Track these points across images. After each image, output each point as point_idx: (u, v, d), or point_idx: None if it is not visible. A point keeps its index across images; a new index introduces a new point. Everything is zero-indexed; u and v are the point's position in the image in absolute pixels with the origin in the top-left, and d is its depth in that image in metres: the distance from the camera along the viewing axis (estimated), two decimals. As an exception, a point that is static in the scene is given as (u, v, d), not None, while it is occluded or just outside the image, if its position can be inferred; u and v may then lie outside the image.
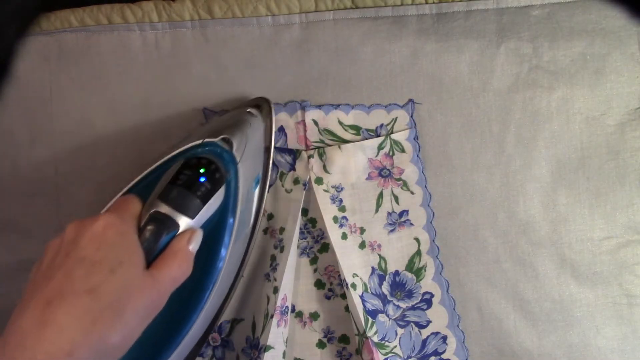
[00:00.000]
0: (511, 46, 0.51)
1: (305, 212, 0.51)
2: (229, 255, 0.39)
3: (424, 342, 0.50)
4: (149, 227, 0.35)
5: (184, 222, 0.36)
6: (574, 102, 0.51)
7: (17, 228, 0.54)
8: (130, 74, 0.53)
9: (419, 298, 0.50)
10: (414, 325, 0.50)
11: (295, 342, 0.51)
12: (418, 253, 0.51)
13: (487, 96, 0.51)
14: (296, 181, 0.51)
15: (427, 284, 0.51)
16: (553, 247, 0.51)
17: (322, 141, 0.51)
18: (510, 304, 0.51)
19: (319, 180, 0.51)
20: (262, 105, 0.49)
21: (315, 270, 0.52)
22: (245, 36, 0.52)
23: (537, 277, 0.51)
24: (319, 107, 0.51)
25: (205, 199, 0.37)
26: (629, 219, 0.51)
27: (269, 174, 0.48)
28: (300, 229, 0.51)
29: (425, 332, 0.50)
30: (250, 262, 0.52)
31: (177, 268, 0.35)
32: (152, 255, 0.35)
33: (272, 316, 0.48)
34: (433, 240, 0.51)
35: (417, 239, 0.51)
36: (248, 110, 0.47)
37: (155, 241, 0.35)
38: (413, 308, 0.50)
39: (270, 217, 0.51)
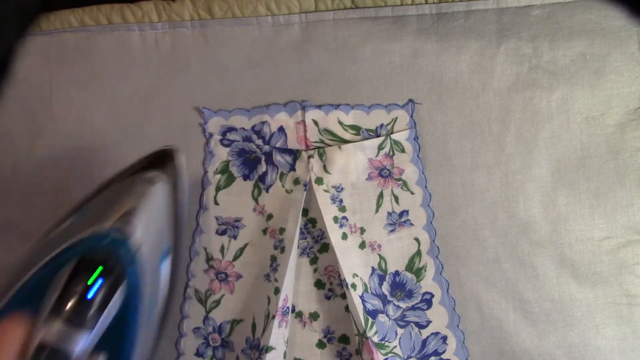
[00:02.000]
0: (511, 46, 0.51)
1: (305, 212, 0.51)
2: (138, 346, 0.34)
3: (424, 342, 0.50)
4: None
5: (80, 338, 0.30)
6: (574, 102, 0.51)
7: (17, 228, 0.54)
8: (130, 74, 0.53)
9: (419, 298, 0.50)
10: (414, 326, 0.50)
11: (295, 342, 0.52)
12: (418, 253, 0.51)
13: (487, 96, 0.51)
14: (296, 181, 0.51)
15: (427, 284, 0.51)
16: (553, 247, 0.51)
17: (322, 141, 0.51)
18: (510, 304, 0.51)
19: (319, 181, 0.51)
20: (164, 161, 0.42)
21: (315, 270, 0.52)
22: (245, 36, 0.52)
23: (537, 277, 0.51)
24: (319, 107, 0.51)
25: (104, 305, 0.31)
26: (628, 219, 0.51)
27: (182, 234, 0.42)
28: (300, 229, 0.51)
29: (425, 332, 0.50)
30: (250, 262, 0.52)
31: None
32: None
33: (273, 317, 0.48)
34: (433, 241, 0.51)
35: (417, 239, 0.51)
36: (145, 177, 0.40)
37: None
38: (413, 308, 0.50)
39: (269, 217, 0.51)
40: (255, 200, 0.52)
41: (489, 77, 0.51)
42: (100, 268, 0.32)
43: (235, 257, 0.52)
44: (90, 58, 0.53)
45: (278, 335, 0.49)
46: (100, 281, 0.31)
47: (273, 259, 0.51)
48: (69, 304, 0.31)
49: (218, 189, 0.52)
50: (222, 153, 0.52)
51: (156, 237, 0.38)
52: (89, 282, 0.31)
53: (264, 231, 0.52)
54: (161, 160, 0.42)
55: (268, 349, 0.48)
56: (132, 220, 0.34)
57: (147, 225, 0.36)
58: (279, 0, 0.51)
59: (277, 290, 0.49)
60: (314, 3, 0.51)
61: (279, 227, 0.51)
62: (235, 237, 0.52)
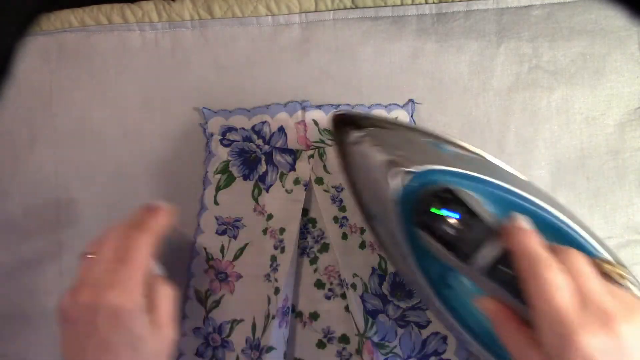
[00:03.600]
0: (511, 46, 0.51)
1: (305, 212, 0.51)
2: None
3: (424, 342, 0.50)
4: None
5: None
6: (574, 102, 0.51)
7: (17, 228, 0.54)
8: (130, 74, 0.53)
9: (419, 298, 0.50)
10: (414, 326, 0.50)
11: (295, 342, 0.52)
12: (418, 253, 0.51)
13: (487, 96, 0.51)
14: (296, 181, 0.51)
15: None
16: (553, 247, 0.51)
17: (322, 141, 0.51)
18: None
19: (320, 181, 0.51)
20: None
21: (315, 271, 0.52)
22: (245, 36, 0.52)
23: (537, 277, 0.51)
24: (319, 107, 0.51)
25: None
26: (628, 219, 0.51)
27: None
28: (300, 229, 0.51)
29: (426, 332, 0.50)
30: (250, 262, 0.52)
31: None
32: None
33: (273, 317, 0.48)
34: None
35: (417, 239, 0.51)
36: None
37: None
38: (413, 308, 0.50)
39: (269, 217, 0.51)
40: (255, 200, 0.52)
41: (489, 77, 0.51)
42: None
43: (235, 257, 0.52)
44: (90, 58, 0.53)
45: (278, 335, 0.49)
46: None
47: (273, 259, 0.51)
48: None
49: (218, 189, 0.52)
50: (222, 153, 0.52)
51: None
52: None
53: (264, 231, 0.52)
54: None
55: (268, 349, 0.48)
56: None
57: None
58: (279, 0, 0.51)
59: (277, 290, 0.49)
60: (314, 3, 0.51)
61: (279, 227, 0.51)
62: (235, 237, 0.52)
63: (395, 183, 0.37)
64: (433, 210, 0.35)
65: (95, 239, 0.41)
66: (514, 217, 0.35)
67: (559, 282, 0.31)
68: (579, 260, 0.33)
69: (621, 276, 0.34)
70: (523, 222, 0.35)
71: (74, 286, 0.38)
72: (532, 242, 0.33)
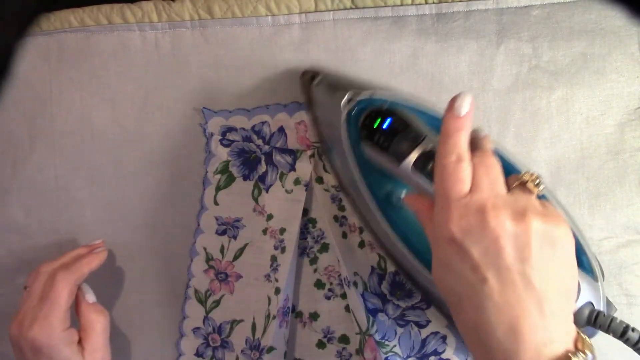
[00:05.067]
0: (511, 46, 0.51)
1: (305, 212, 0.51)
2: None
3: (424, 342, 0.50)
4: None
5: None
6: (574, 102, 0.51)
7: (17, 228, 0.54)
8: (130, 74, 0.53)
9: (419, 297, 0.50)
10: (413, 325, 0.50)
11: (295, 342, 0.52)
12: (418, 253, 0.51)
13: (487, 96, 0.51)
14: (296, 182, 0.51)
15: (427, 283, 0.51)
16: (553, 247, 0.51)
17: (322, 141, 0.51)
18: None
19: (319, 180, 0.51)
20: None
21: (315, 271, 0.52)
22: (245, 36, 0.52)
23: (537, 277, 0.51)
24: (319, 107, 0.51)
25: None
26: (628, 219, 0.51)
27: None
28: (300, 229, 0.51)
29: (425, 332, 0.50)
30: (250, 262, 0.52)
31: None
32: None
33: (274, 317, 0.48)
34: (433, 240, 0.51)
35: (417, 239, 0.51)
36: None
37: None
38: (412, 307, 0.50)
39: (269, 217, 0.51)
40: (255, 200, 0.52)
41: (489, 77, 0.51)
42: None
43: (235, 257, 0.52)
44: (90, 58, 0.53)
45: (278, 336, 0.49)
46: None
47: (273, 259, 0.51)
48: None
49: (218, 189, 0.52)
50: (222, 153, 0.52)
51: None
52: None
53: (264, 231, 0.52)
54: None
55: (268, 350, 0.48)
56: None
57: None
58: (279, 0, 0.51)
59: (277, 291, 0.49)
60: (314, 3, 0.51)
61: (279, 228, 0.51)
62: (235, 237, 0.52)
63: (346, 107, 0.44)
64: (374, 123, 0.42)
65: (33, 273, 0.47)
66: (461, 95, 0.36)
67: (463, 176, 0.33)
68: (495, 166, 0.35)
69: (536, 184, 0.35)
70: (464, 104, 0.35)
71: (14, 317, 0.45)
72: (458, 132, 0.35)
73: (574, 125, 0.51)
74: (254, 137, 0.52)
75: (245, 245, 0.52)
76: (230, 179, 0.52)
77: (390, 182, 0.44)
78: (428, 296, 0.48)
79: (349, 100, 0.44)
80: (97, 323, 0.47)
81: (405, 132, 0.41)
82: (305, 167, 0.51)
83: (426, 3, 0.51)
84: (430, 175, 0.38)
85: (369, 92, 0.44)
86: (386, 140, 0.41)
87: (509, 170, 0.38)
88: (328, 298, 0.52)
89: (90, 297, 0.49)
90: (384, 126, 0.42)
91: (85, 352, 0.45)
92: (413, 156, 0.40)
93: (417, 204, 0.38)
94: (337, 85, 0.46)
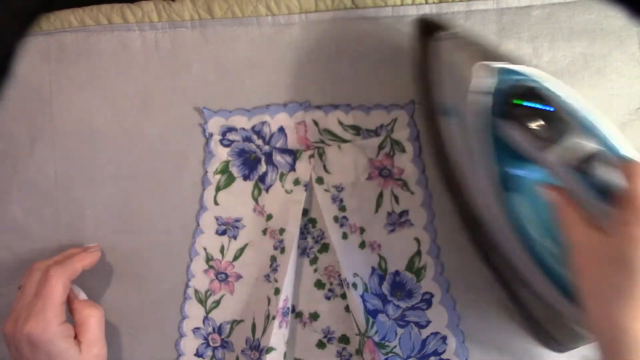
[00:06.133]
0: (511, 46, 0.51)
1: (305, 212, 0.51)
2: None
3: (424, 342, 0.50)
4: None
5: None
6: (574, 102, 0.51)
7: (17, 228, 0.54)
8: (130, 74, 0.53)
9: (419, 298, 0.50)
10: (413, 325, 0.50)
11: (295, 342, 0.52)
12: (418, 253, 0.51)
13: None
14: (296, 182, 0.51)
15: (427, 284, 0.50)
16: (553, 247, 0.51)
17: (322, 141, 0.51)
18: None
19: (320, 180, 0.51)
20: None
21: (315, 271, 0.52)
22: (245, 36, 0.52)
23: (537, 277, 0.51)
24: (319, 107, 0.51)
25: None
26: (629, 219, 0.50)
27: None
28: (300, 229, 0.51)
29: (425, 332, 0.50)
30: (250, 262, 0.52)
31: None
32: None
33: (273, 317, 0.48)
34: (434, 241, 0.51)
35: (417, 239, 0.51)
36: None
37: None
38: (413, 308, 0.50)
39: (269, 217, 0.51)
40: (255, 200, 0.52)
41: (489, 77, 0.51)
42: None
43: (235, 258, 0.52)
44: (90, 58, 0.53)
45: (278, 336, 0.49)
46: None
47: (273, 259, 0.51)
48: None
49: (218, 189, 0.52)
50: (222, 153, 0.52)
51: None
52: None
53: (264, 231, 0.52)
54: None
55: (268, 350, 0.48)
56: None
57: None
58: (279, 0, 0.51)
59: (277, 291, 0.49)
60: (314, 3, 0.51)
61: (279, 228, 0.51)
62: (235, 237, 0.52)
63: (482, 75, 0.39)
64: (523, 102, 0.38)
65: (26, 273, 0.47)
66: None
67: None
68: None
69: None
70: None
71: (9, 315, 0.46)
72: None
73: (574, 126, 0.51)
74: (254, 137, 0.52)
75: (245, 245, 0.52)
76: (230, 179, 0.52)
77: (522, 165, 0.40)
78: (517, 275, 0.44)
79: (484, 67, 0.39)
80: (92, 317, 0.47)
81: (557, 121, 0.37)
82: (305, 168, 0.51)
83: (426, 3, 0.51)
84: (584, 176, 0.35)
85: (507, 64, 0.40)
86: (537, 124, 0.37)
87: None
88: (328, 298, 0.51)
89: (82, 296, 0.49)
90: (536, 108, 0.38)
91: (81, 345, 0.45)
92: (567, 151, 0.36)
93: (560, 199, 0.37)
94: (477, 49, 0.42)
